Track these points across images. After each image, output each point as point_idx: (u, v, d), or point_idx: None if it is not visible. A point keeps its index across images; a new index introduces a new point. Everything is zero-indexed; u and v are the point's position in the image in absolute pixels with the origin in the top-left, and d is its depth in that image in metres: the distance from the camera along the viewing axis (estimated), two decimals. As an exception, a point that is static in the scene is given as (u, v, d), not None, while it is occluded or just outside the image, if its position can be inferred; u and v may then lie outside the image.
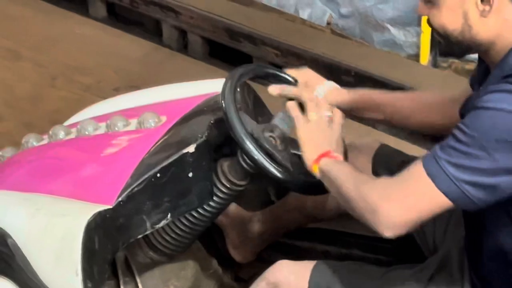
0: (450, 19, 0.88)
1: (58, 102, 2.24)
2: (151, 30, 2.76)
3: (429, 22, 0.94)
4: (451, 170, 0.80)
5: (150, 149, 1.15)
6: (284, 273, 1.14)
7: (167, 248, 1.24)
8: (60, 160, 1.31)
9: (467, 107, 0.93)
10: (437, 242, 1.23)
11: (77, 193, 1.13)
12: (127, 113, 1.34)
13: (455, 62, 2.40)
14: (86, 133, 1.33)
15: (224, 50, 2.48)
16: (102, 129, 1.31)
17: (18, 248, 1.12)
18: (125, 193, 1.06)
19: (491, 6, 0.83)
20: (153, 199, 1.11)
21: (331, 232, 1.46)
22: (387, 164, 1.26)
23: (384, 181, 0.90)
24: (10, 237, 1.12)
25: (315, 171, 0.99)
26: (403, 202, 0.86)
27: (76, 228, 1.03)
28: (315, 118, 1.05)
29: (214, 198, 1.16)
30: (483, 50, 0.91)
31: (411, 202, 0.86)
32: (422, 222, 0.88)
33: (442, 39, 0.94)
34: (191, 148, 1.09)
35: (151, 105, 1.39)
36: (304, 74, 1.16)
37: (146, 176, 1.07)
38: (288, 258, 1.18)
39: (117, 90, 2.27)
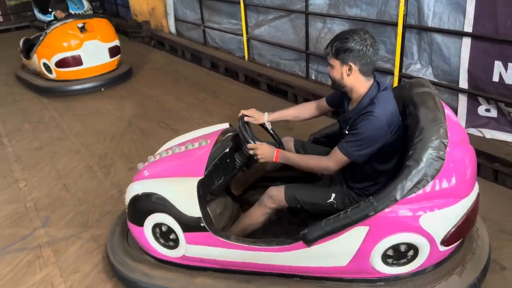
0: (336, 74, 1.98)
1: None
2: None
3: (329, 74, 2.00)
4: (354, 152, 1.92)
5: (210, 152, 2.25)
6: (274, 191, 2.23)
7: (216, 192, 2.38)
8: (175, 162, 2.33)
9: (345, 119, 2.06)
10: None
11: (187, 174, 2.20)
12: (192, 141, 2.44)
13: None
14: (178, 151, 2.41)
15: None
16: (183, 148, 2.41)
17: (167, 201, 2.16)
18: (207, 171, 2.18)
19: (351, 71, 1.93)
20: (216, 172, 2.26)
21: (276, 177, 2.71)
22: (299, 146, 2.49)
23: (330, 158, 1.97)
24: (163, 197, 2.17)
25: (277, 161, 2.15)
26: (339, 163, 1.97)
27: (193, 187, 2.11)
28: (258, 145, 2.17)
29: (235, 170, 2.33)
30: (349, 90, 2.00)
31: (341, 163, 1.97)
32: (344, 166, 1.98)
33: (332, 82, 2.04)
34: (227, 149, 2.27)
35: (200, 136, 2.49)
36: (254, 111, 2.34)
37: (213, 162, 2.22)
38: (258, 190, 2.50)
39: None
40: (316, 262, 2.05)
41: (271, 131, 2.42)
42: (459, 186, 1.89)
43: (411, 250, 1.97)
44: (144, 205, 2.23)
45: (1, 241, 2.99)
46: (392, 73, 4.35)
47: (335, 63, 1.95)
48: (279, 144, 2.42)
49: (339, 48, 1.91)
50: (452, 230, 1.94)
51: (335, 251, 1.98)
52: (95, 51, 5.79)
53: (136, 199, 2.26)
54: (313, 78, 5.38)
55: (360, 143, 1.91)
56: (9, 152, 4.39)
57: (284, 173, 2.69)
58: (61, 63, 5.67)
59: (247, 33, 6.26)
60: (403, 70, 4.28)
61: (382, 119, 1.89)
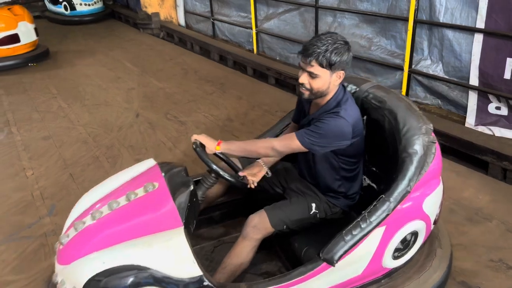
0: (322, 84, 1.83)
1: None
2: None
3: (306, 85, 1.84)
4: (308, 138, 1.81)
5: (171, 195, 1.80)
6: (256, 220, 1.99)
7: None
8: (130, 219, 1.75)
9: (308, 121, 1.96)
10: (283, 184, 2.26)
11: (159, 228, 1.71)
12: (130, 189, 1.88)
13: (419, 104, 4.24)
14: (117, 206, 1.82)
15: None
16: (123, 201, 1.83)
17: (149, 268, 1.63)
18: (183, 218, 1.76)
19: (341, 78, 1.84)
20: (190, 216, 1.86)
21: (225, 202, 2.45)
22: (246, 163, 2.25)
23: (279, 139, 1.89)
24: (141, 266, 1.63)
25: (219, 149, 1.94)
26: (288, 147, 1.86)
27: (182, 241, 1.68)
28: (203, 136, 1.96)
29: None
30: (321, 97, 1.89)
31: (290, 147, 1.85)
32: (292, 152, 1.88)
33: (310, 92, 1.87)
34: (191, 188, 1.89)
35: (134, 180, 1.96)
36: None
37: (184, 206, 1.82)
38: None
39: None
40: (334, 280, 1.88)
41: (223, 157, 2.15)
42: (440, 165, 1.96)
43: (412, 237, 1.97)
44: (113, 286, 1.61)
45: (8, 228, 3.02)
46: (401, 69, 4.30)
47: (323, 72, 1.82)
48: (236, 173, 2.14)
49: (332, 57, 1.79)
50: (440, 207, 2.02)
51: (354, 262, 1.86)
52: (26, 30, 6.85)
53: (95, 282, 1.61)
54: (321, 72, 5.32)
55: (319, 135, 1.82)
56: (18, 141, 4.42)
57: (226, 198, 2.43)
58: (2, 42, 6.64)
59: (256, 26, 6.22)
60: (413, 66, 4.23)
61: (349, 121, 1.84)
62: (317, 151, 1.88)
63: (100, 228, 1.77)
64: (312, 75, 1.82)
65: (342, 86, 1.94)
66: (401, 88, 4.37)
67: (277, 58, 6.00)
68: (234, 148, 1.95)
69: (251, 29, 6.30)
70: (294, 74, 5.24)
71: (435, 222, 2.02)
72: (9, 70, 6.69)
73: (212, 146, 1.97)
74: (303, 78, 1.85)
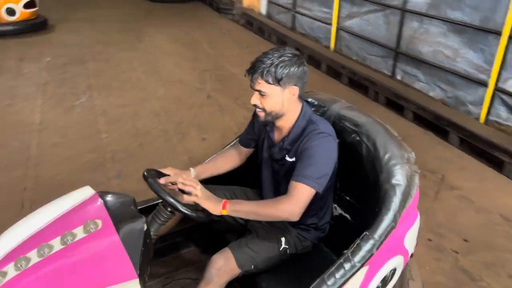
0: (275, 103, 1.67)
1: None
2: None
3: (258, 105, 1.68)
4: (311, 179, 1.58)
5: (120, 237, 1.40)
6: (220, 261, 1.70)
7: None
8: (68, 269, 1.33)
9: (279, 150, 1.78)
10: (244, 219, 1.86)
11: (108, 282, 1.32)
12: (66, 228, 1.43)
13: (499, 123, 4.00)
14: (49, 252, 1.36)
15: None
16: (57, 245, 1.38)
17: None
18: (136, 266, 1.38)
19: (295, 95, 1.66)
20: (143, 262, 1.45)
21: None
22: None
23: (287, 198, 1.59)
24: None
25: (225, 213, 1.62)
26: (300, 201, 1.59)
27: None
28: (199, 188, 1.62)
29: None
30: (281, 119, 1.72)
31: (303, 199, 1.59)
32: (307, 204, 1.60)
33: (265, 113, 1.70)
34: (145, 226, 1.49)
35: (66, 217, 1.51)
36: (175, 170, 1.77)
37: (139, 251, 1.43)
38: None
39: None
40: None
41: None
42: (418, 195, 1.83)
43: (391, 273, 1.81)
44: None
45: (79, 184, 3.18)
46: (485, 85, 4.07)
47: (271, 89, 1.65)
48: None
49: (278, 71, 1.63)
50: (417, 239, 1.93)
51: None
52: None
53: None
54: (398, 78, 5.18)
55: (316, 168, 1.63)
56: (97, 105, 4.75)
57: (175, 228, 2.05)
58: (29, 5, 7.27)
59: (337, 23, 6.14)
60: (499, 84, 3.98)
61: (332, 136, 1.71)
62: (321, 189, 1.65)
63: (27, 282, 1.31)
64: (261, 94, 1.68)
65: (306, 102, 1.80)
66: (482, 105, 4.14)
67: (354, 58, 5.89)
68: (244, 211, 1.65)
69: (331, 25, 6.22)
70: (369, 76, 5.15)
71: (411, 256, 1.89)
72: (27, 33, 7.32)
73: (216, 210, 1.64)
74: (254, 99, 1.70)
